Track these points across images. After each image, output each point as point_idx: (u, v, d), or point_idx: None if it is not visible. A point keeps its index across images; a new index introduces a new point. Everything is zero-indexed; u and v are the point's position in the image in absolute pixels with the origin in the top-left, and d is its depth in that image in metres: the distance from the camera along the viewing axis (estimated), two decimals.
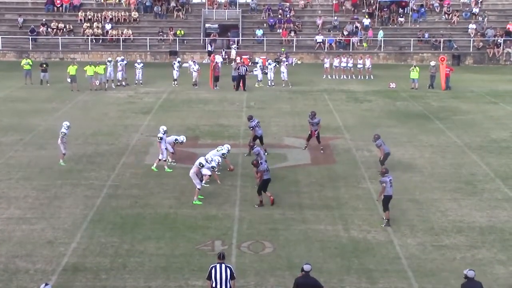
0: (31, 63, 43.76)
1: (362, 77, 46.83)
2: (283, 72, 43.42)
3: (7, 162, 25.99)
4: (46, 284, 13.66)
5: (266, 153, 26.13)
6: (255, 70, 49.30)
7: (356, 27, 56.89)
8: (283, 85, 43.15)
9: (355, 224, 20.07)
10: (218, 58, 49.43)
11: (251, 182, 23.19)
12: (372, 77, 46.55)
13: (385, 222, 19.99)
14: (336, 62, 47.38)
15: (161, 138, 24.81)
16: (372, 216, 20.63)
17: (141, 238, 18.87)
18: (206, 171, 21.89)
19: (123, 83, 42.82)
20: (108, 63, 42.46)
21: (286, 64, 44.25)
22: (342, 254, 18.05)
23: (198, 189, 21.67)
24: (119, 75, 42.70)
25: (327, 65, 47.46)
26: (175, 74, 43.25)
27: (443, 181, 24.10)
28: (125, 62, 43.50)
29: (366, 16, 57.80)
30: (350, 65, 47.12)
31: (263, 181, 21.50)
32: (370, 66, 47.19)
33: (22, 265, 17.11)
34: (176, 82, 43.18)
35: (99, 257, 17.71)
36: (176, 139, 25.64)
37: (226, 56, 54.16)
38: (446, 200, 22.18)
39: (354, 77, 46.80)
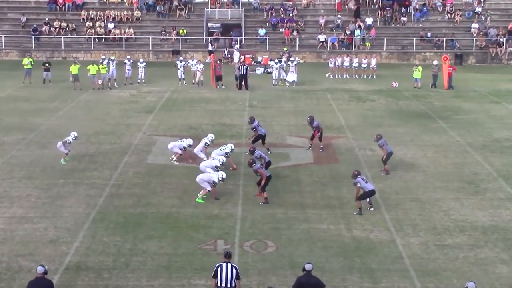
0: (32, 62, 43.80)
1: (364, 77, 46.80)
2: (292, 72, 43.26)
3: (9, 161, 26.00)
4: (42, 266, 14.19)
5: (269, 152, 26.20)
6: (257, 70, 49.48)
7: (359, 26, 56.84)
8: (287, 85, 43.09)
9: (358, 223, 20.06)
10: (236, 55, 49.73)
11: (254, 182, 23.16)
12: (375, 77, 46.50)
13: (357, 210, 20.72)
14: (338, 61, 47.35)
15: (207, 145, 24.98)
16: (374, 216, 20.61)
17: (143, 237, 18.87)
18: (206, 185, 21.80)
19: (115, 84, 42.56)
20: (110, 62, 42.46)
21: (296, 65, 43.87)
22: (345, 253, 18.04)
23: (208, 190, 21.67)
24: (115, 74, 42.52)
25: (331, 64, 47.32)
26: (180, 73, 43.21)
27: (445, 181, 24.08)
28: (115, 61, 43.33)
29: (359, 17, 57.85)
30: (355, 64, 47.06)
31: (267, 178, 21.65)
32: (375, 66, 47.07)
33: (24, 264, 17.11)
34: (185, 81, 43.16)
35: (101, 256, 17.72)
36: (185, 147, 25.62)
37: (229, 56, 54.19)
38: (449, 200, 22.16)
39: (356, 77, 46.76)
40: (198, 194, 21.71)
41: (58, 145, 25.67)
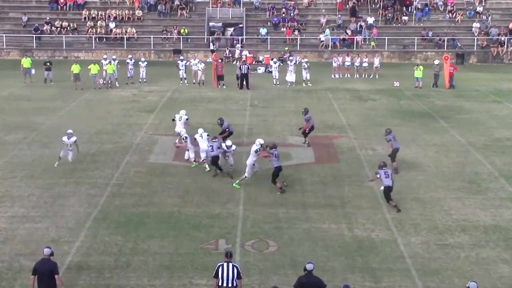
0: (31, 61, 43.80)
1: (366, 76, 46.79)
2: (291, 71, 43.29)
3: (11, 161, 26.02)
4: (48, 248, 14.86)
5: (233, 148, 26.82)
6: (259, 69, 49.49)
7: (361, 26, 56.85)
8: (288, 85, 43.10)
9: (359, 222, 20.07)
10: (237, 52, 50.90)
11: (255, 181, 23.22)
12: (377, 76, 46.44)
13: (395, 209, 20.92)
14: (340, 60, 47.28)
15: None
16: (375, 215, 20.62)
17: (145, 237, 18.88)
18: (249, 170, 22.86)
19: (116, 83, 42.57)
20: (112, 61, 42.48)
21: (294, 64, 43.94)
22: (346, 252, 18.04)
23: (246, 177, 22.55)
24: (116, 73, 42.56)
25: (335, 63, 47.23)
26: (181, 73, 43.25)
27: (447, 180, 24.08)
28: (117, 61, 43.39)
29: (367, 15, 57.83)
30: (357, 64, 47.02)
31: (275, 169, 22.54)
32: (379, 65, 47.01)
33: (26, 264, 17.10)
34: (186, 81, 43.22)
35: (103, 255, 17.73)
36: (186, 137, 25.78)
37: (230, 55, 54.32)
38: (450, 199, 22.16)
39: (358, 76, 46.73)
40: (238, 180, 22.88)
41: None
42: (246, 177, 22.88)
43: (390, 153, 24.79)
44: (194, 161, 25.24)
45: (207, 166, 24.74)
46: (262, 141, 23.38)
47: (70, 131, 25.47)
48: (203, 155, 24.85)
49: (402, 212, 20.93)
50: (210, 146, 24.11)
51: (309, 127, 28.42)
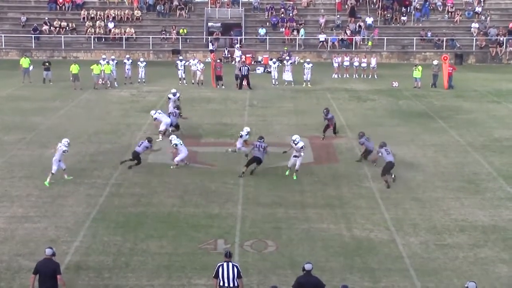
0: (30, 61, 43.77)
1: (364, 76, 46.78)
2: (288, 71, 43.33)
3: (10, 161, 26.00)
4: (50, 248, 14.96)
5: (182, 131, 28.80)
6: (258, 69, 49.47)
7: (359, 26, 56.87)
8: (285, 83, 43.10)
9: (358, 223, 20.08)
10: (237, 54, 50.39)
11: (254, 181, 23.24)
12: (376, 77, 46.43)
13: (384, 184, 22.67)
14: (338, 60, 47.26)
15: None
16: (374, 215, 20.63)
17: (143, 237, 18.88)
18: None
19: (115, 83, 42.56)
20: (111, 62, 42.48)
21: (291, 63, 44.00)
22: (345, 253, 18.05)
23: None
24: (114, 73, 42.56)
25: (336, 64, 47.19)
26: (180, 73, 43.27)
27: (445, 180, 24.09)
28: (116, 61, 43.48)
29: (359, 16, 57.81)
30: (356, 64, 47.00)
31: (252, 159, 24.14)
32: (375, 66, 46.99)
33: (24, 264, 17.11)
34: (185, 81, 43.23)
35: (102, 255, 17.73)
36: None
37: (229, 55, 54.31)
38: (449, 199, 22.17)
39: (356, 76, 46.73)
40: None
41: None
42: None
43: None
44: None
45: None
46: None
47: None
48: (163, 127, 28.83)
49: (401, 212, 20.95)
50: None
51: (334, 124, 29.90)
